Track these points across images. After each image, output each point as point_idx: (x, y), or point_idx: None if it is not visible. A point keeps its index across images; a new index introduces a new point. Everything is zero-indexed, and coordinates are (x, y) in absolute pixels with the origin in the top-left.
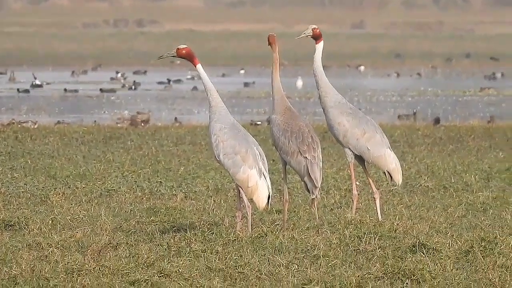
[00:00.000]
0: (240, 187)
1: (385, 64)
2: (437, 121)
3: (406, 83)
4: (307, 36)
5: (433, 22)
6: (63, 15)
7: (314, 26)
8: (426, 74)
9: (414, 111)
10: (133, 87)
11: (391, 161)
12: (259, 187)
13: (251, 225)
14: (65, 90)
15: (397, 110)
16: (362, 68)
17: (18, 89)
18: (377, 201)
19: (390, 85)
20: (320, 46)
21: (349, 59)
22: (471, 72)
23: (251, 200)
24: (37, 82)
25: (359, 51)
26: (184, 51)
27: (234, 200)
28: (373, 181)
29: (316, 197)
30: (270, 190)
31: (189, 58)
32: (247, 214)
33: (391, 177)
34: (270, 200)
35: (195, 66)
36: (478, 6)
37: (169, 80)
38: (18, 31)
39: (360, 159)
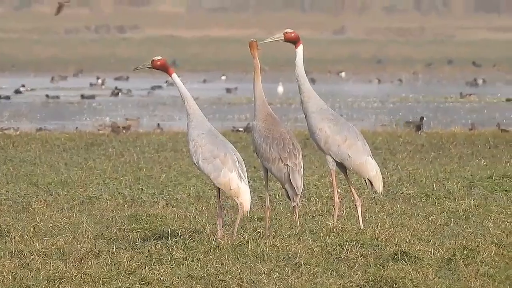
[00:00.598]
0: (223, 191)
1: (366, 69)
2: (418, 127)
3: (388, 89)
4: (277, 40)
5: (414, 28)
6: (45, 21)
7: (288, 30)
8: (407, 80)
9: (422, 117)
10: (114, 93)
11: (371, 169)
12: (242, 189)
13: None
14: (47, 96)
15: (378, 116)
16: (343, 74)
17: None
18: (359, 209)
19: (372, 91)
20: (299, 50)
21: (330, 64)
22: (452, 78)
23: (238, 203)
24: (21, 89)
25: (340, 56)
26: (158, 63)
27: (216, 207)
28: (354, 188)
29: (297, 204)
30: (249, 195)
31: (163, 69)
32: (236, 218)
33: (372, 185)
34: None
35: (171, 76)
36: (459, 11)
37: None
38: (0, 37)
39: (341, 166)
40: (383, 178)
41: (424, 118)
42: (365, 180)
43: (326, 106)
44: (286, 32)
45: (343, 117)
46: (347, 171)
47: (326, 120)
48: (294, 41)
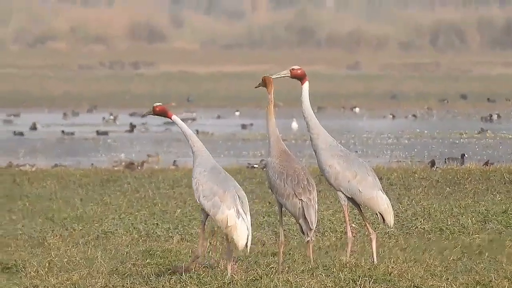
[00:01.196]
0: (220, 226)
1: (381, 105)
2: (433, 163)
3: (402, 125)
4: (284, 76)
5: (429, 63)
6: (59, 58)
7: (295, 66)
8: (421, 116)
9: (463, 154)
10: (129, 129)
11: (382, 203)
12: (238, 226)
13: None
14: (63, 132)
15: (393, 152)
16: (357, 109)
17: (15, 132)
18: (373, 242)
19: (386, 127)
20: (305, 86)
21: (344, 100)
22: (467, 114)
23: (231, 239)
24: (37, 125)
25: (354, 92)
26: (157, 109)
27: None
28: (369, 223)
29: (311, 239)
30: (250, 231)
31: (163, 113)
32: (227, 253)
33: (384, 219)
34: (249, 241)
35: (171, 119)
36: (475, 47)
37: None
38: (15, 73)
39: (354, 201)
40: (397, 213)
41: (465, 155)
42: (377, 214)
43: (335, 143)
44: (293, 69)
45: (357, 153)
46: (360, 206)
47: (335, 156)
48: (300, 78)
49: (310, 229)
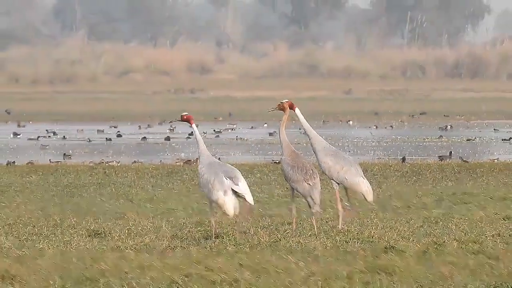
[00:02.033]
0: (215, 204)
1: (367, 119)
2: (403, 159)
3: (382, 133)
4: (275, 109)
5: (401, 89)
6: (137, 86)
7: (283, 100)
8: (396, 126)
9: (450, 152)
10: (187, 136)
11: (363, 186)
12: (226, 202)
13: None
14: (144, 138)
15: (375, 152)
16: (350, 122)
17: (106, 138)
18: (341, 215)
19: (370, 134)
20: (297, 111)
21: (341, 115)
22: (429, 125)
23: (223, 211)
24: (119, 133)
25: (348, 110)
26: (185, 117)
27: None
28: (343, 202)
29: (317, 211)
30: (246, 192)
31: (187, 120)
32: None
33: (365, 198)
34: (248, 199)
35: (191, 125)
36: (433, 77)
37: (217, 132)
38: (107, 97)
39: (343, 186)
40: (378, 194)
41: (452, 153)
42: (362, 195)
43: (328, 145)
44: (280, 103)
45: (350, 152)
46: (347, 190)
47: (328, 155)
48: (290, 108)
49: (315, 204)
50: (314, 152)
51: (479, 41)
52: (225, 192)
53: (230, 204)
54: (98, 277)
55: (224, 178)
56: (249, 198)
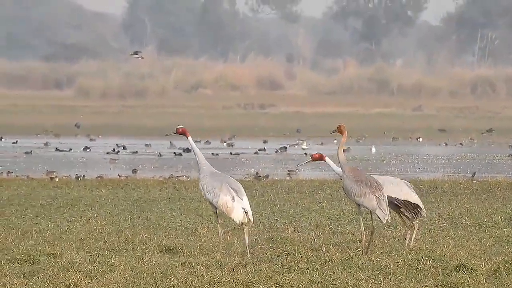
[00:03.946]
0: (222, 210)
1: (437, 136)
2: (473, 175)
3: (452, 150)
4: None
5: (471, 107)
6: (207, 101)
7: (313, 153)
8: (466, 144)
9: (474, 172)
10: (256, 152)
11: (413, 196)
12: (234, 207)
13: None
14: (217, 154)
15: (445, 169)
16: (420, 139)
17: (174, 153)
18: (415, 231)
19: (440, 151)
20: (328, 160)
21: (411, 133)
22: (498, 143)
23: (230, 218)
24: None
25: (418, 127)
26: (180, 130)
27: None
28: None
29: (387, 221)
30: (249, 209)
31: (183, 133)
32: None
33: (419, 210)
34: (249, 216)
35: (187, 138)
36: (503, 95)
37: (284, 147)
38: (177, 111)
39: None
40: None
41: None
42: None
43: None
44: (312, 155)
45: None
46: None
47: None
48: (320, 159)
49: (385, 214)
50: (342, 178)
51: None
52: (233, 198)
53: (239, 210)
54: None
55: (229, 187)
56: (250, 215)
